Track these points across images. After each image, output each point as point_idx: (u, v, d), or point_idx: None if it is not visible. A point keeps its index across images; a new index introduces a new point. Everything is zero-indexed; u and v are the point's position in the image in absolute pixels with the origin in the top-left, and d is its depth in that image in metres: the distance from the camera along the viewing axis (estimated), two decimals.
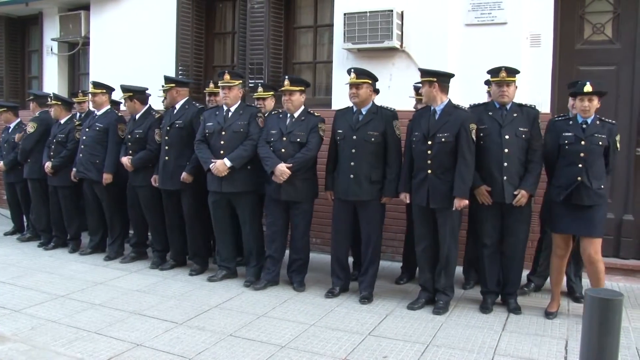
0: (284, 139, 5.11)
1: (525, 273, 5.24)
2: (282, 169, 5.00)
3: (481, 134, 4.64)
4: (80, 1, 8.52)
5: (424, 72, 4.70)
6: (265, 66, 6.94)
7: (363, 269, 5.08)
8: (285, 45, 7.25)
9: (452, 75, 4.81)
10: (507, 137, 4.57)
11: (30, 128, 6.89)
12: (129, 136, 6.04)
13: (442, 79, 4.66)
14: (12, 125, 7.34)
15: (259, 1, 7.01)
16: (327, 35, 7.06)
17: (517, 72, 4.68)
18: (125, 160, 5.98)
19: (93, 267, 6.07)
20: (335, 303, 4.92)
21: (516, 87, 4.72)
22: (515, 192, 4.55)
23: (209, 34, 7.93)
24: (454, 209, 4.56)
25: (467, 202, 4.57)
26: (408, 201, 4.83)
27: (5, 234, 7.54)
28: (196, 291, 5.25)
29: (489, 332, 4.27)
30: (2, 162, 7.29)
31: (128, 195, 6.23)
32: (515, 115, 4.63)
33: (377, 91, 5.44)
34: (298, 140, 5.07)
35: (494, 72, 4.66)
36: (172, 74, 7.30)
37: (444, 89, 4.67)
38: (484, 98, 5.37)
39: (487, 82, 4.98)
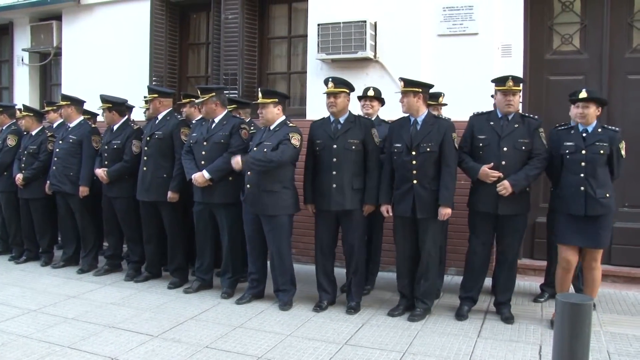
0: (255, 149, 5.01)
1: (538, 284, 5.36)
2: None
3: (480, 144, 4.66)
4: (51, 11, 8.42)
5: (409, 83, 4.69)
6: (240, 77, 6.95)
7: (348, 280, 5.07)
8: (259, 56, 7.27)
9: (432, 86, 4.87)
10: (505, 149, 4.55)
11: (11, 141, 6.79)
12: (106, 147, 6.00)
13: (425, 90, 4.71)
14: None
15: (233, 12, 7.03)
16: (301, 45, 7.10)
17: (523, 81, 4.69)
18: (100, 172, 5.92)
19: (66, 280, 5.99)
20: (312, 313, 4.92)
21: (520, 96, 4.70)
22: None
23: (183, 45, 7.91)
24: (439, 217, 4.59)
25: (450, 210, 4.59)
26: (390, 214, 4.81)
27: None
28: (172, 303, 5.21)
29: (465, 339, 4.31)
30: None
31: (103, 207, 6.16)
32: (516, 126, 4.59)
33: None
34: (265, 150, 4.91)
35: (500, 81, 4.65)
36: (145, 84, 7.27)
37: (426, 100, 4.73)
38: (457, 107, 5.46)
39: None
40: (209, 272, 5.63)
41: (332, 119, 4.99)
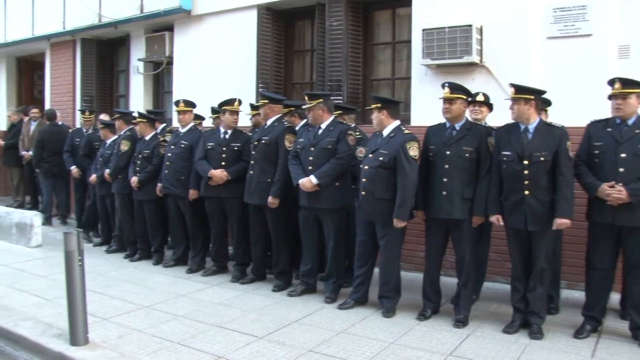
0: (370, 156, 5.01)
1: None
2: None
3: (596, 152, 4.44)
4: (164, 22, 8.86)
5: (521, 89, 4.51)
6: (344, 83, 6.98)
7: (457, 291, 4.95)
8: (363, 62, 7.28)
9: (545, 92, 4.67)
10: (623, 155, 4.30)
11: (124, 146, 7.19)
12: (224, 149, 6.18)
13: (538, 97, 4.52)
14: (108, 142, 7.67)
15: (337, 19, 7.07)
16: (405, 51, 7.04)
17: (637, 83, 4.37)
18: (219, 172, 6.08)
19: (176, 279, 6.25)
20: (415, 322, 4.85)
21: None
22: None
23: (288, 52, 8.06)
24: (554, 228, 4.38)
25: (569, 222, 4.36)
26: (501, 223, 4.64)
27: (94, 245, 7.86)
28: (276, 305, 5.30)
29: (576, 357, 4.09)
30: (94, 175, 7.64)
31: (213, 210, 6.37)
32: (637, 131, 4.31)
33: None
34: (380, 159, 4.90)
35: (609, 84, 4.43)
36: (252, 91, 7.49)
37: (538, 107, 4.53)
38: (568, 114, 5.22)
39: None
40: (313, 277, 5.68)
41: (447, 124, 4.87)
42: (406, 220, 4.87)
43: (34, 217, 7.96)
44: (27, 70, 12.76)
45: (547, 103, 5.17)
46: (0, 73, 12.55)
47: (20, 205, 10.20)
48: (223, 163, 6.11)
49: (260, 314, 5.05)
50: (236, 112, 6.23)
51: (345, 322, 4.81)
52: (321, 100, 5.42)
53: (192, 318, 4.93)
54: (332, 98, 5.85)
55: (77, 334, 4.27)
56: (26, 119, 10.32)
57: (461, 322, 4.75)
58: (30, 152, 9.63)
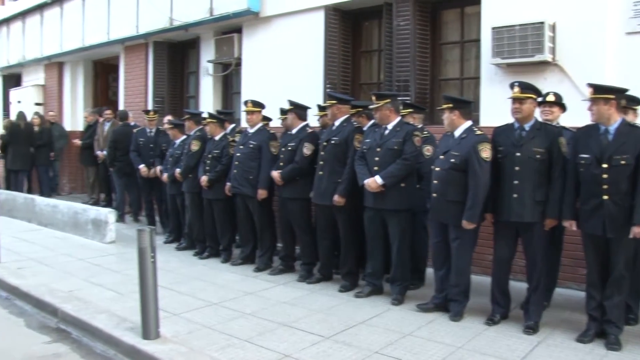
0: (441, 157, 4.94)
1: None
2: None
3: None
4: (233, 25, 9.01)
5: (600, 89, 4.31)
6: (412, 83, 6.92)
7: (527, 296, 4.81)
8: (431, 62, 7.19)
9: (627, 91, 4.46)
10: None
11: (195, 146, 7.35)
12: (282, 149, 6.33)
13: (620, 96, 4.31)
14: (177, 142, 7.87)
15: (404, 18, 7.02)
16: (474, 50, 6.91)
17: None
18: (275, 173, 6.22)
19: (243, 278, 6.34)
20: (484, 327, 4.74)
21: None
22: None
23: (355, 52, 8.06)
24: (631, 236, 4.16)
25: None
26: (575, 228, 4.47)
27: (165, 242, 8.08)
28: (342, 306, 5.30)
29: None
30: (165, 174, 7.86)
31: (279, 209, 6.46)
32: None
33: None
34: (452, 160, 4.82)
35: None
36: (320, 92, 7.52)
37: (619, 107, 4.32)
38: None
39: None
40: (380, 278, 5.64)
41: (516, 125, 4.73)
42: (476, 223, 4.77)
43: (109, 214, 8.26)
44: (103, 73, 13.30)
45: (636, 102, 4.93)
46: (78, 76, 13.14)
47: (96, 203, 10.62)
48: (281, 164, 6.26)
49: (327, 314, 5.06)
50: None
51: (412, 325, 4.76)
52: (389, 100, 5.39)
53: (260, 316, 4.99)
54: (399, 98, 5.80)
55: (149, 328, 4.40)
56: (101, 119, 10.72)
57: (531, 329, 4.59)
58: (104, 152, 9.99)
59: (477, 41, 6.64)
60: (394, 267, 5.46)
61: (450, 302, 5.02)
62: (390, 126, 5.40)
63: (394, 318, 4.95)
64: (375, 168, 5.31)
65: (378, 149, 5.35)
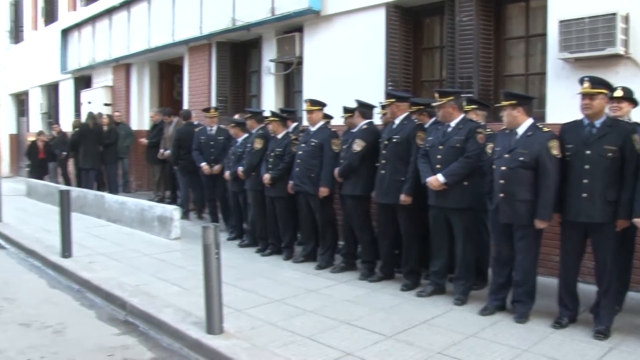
0: (506, 156, 4.79)
1: None
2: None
3: None
4: (295, 24, 9.07)
5: None
6: (475, 80, 6.79)
7: (597, 300, 4.64)
8: (495, 58, 7.04)
9: None
10: None
11: (258, 144, 7.44)
12: (343, 147, 6.33)
13: None
14: (239, 140, 7.99)
15: (467, 14, 6.89)
16: (540, 45, 6.71)
17: None
18: (336, 171, 6.26)
19: (305, 275, 6.38)
20: (551, 330, 4.60)
21: None
22: None
23: (417, 50, 7.97)
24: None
25: None
26: None
27: (228, 239, 8.21)
28: (404, 305, 5.27)
29: None
30: (227, 172, 7.98)
31: (341, 207, 6.48)
32: None
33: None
34: (521, 159, 4.68)
35: None
36: (381, 90, 7.48)
37: None
38: None
39: None
40: (443, 277, 5.57)
41: (585, 122, 4.56)
42: (549, 222, 4.65)
43: (174, 211, 8.48)
44: (168, 74, 13.65)
45: None
46: (145, 77, 13.53)
47: (161, 200, 10.92)
48: (342, 161, 6.28)
49: (389, 313, 5.03)
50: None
51: (476, 326, 4.68)
52: (452, 97, 5.32)
53: (321, 314, 5.02)
54: (463, 95, 5.70)
55: (213, 323, 4.48)
56: (167, 119, 11.00)
57: (602, 334, 4.41)
58: (168, 151, 10.24)
59: (543, 35, 6.44)
60: (458, 266, 5.38)
61: (514, 304, 4.90)
62: (453, 124, 5.32)
63: (456, 318, 4.88)
64: (438, 166, 5.25)
65: (440, 147, 5.29)
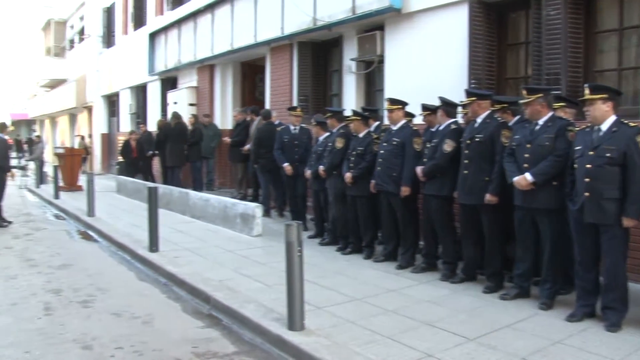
0: (591, 153, 4.61)
1: None
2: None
3: None
4: (376, 22, 9.03)
5: None
6: (563, 76, 6.53)
7: None
8: (584, 53, 6.74)
9: None
10: None
11: (339, 143, 7.48)
12: (427, 146, 6.29)
13: None
14: (320, 139, 8.06)
15: (554, 7, 6.63)
16: (635, 37, 6.39)
17: None
18: (419, 171, 6.20)
19: (385, 274, 6.35)
20: None
21: None
22: None
23: (501, 46, 7.76)
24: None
25: None
26: None
27: (308, 237, 8.27)
28: (487, 308, 5.15)
29: None
30: (309, 171, 8.08)
31: (423, 206, 6.40)
32: None
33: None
34: (608, 155, 4.50)
35: None
36: (463, 87, 7.33)
37: None
38: None
39: None
40: (528, 280, 5.41)
41: None
42: (637, 220, 4.43)
43: (256, 209, 8.65)
44: (250, 74, 13.93)
45: None
46: (228, 77, 13.86)
47: (243, 198, 11.15)
48: (425, 160, 6.24)
49: (471, 315, 4.94)
50: None
51: (562, 332, 4.50)
52: (541, 95, 5.13)
53: (402, 314, 4.98)
54: (552, 92, 5.50)
55: (295, 319, 4.54)
56: (249, 118, 11.23)
57: None
58: (248, 146, 10.45)
59: (639, 27, 6.13)
60: (544, 269, 5.18)
61: (605, 310, 4.67)
62: (541, 121, 5.14)
63: (541, 323, 4.72)
64: (525, 165, 5.09)
65: (528, 145, 5.13)
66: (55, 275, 6.80)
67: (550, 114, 5.17)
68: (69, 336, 4.78)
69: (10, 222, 10.46)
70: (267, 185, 10.03)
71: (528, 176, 5.02)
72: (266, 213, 9.63)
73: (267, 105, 11.55)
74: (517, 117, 5.90)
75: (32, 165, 21.37)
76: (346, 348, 4.22)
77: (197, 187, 12.52)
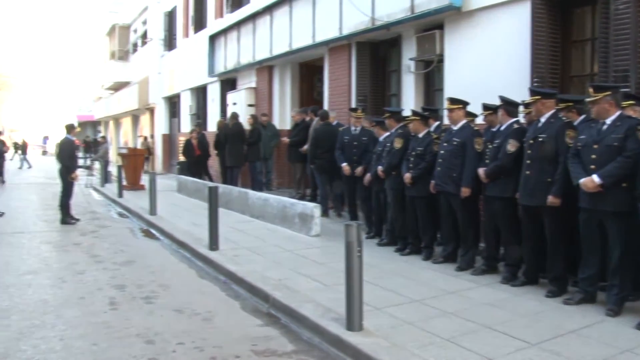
0: None
1: None
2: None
3: None
4: (435, 21, 8.94)
5: None
6: (632, 73, 6.28)
7: None
8: None
9: None
10: None
11: (398, 144, 7.44)
12: (489, 146, 6.18)
13: None
14: (380, 139, 8.02)
15: (624, 2, 6.40)
16: None
17: None
18: (481, 172, 6.11)
19: (445, 276, 6.28)
20: None
21: None
22: None
23: (565, 43, 7.55)
24: None
25: None
26: None
27: (367, 238, 8.24)
28: (549, 312, 5.02)
29: None
30: (368, 174, 8.05)
31: (484, 208, 6.29)
32: None
33: None
34: None
35: None
36: (526, 86, 7.17)
37: None
38: None
39: None
40: (594, 285, 5.23)
41: None
42: None
43: (314, 209, 8.69)
44: (308, 75, 14.02)
45: None
46: (286, 78, 14.00)
47: (302, 197, 11.22)
48: (487, 161, 6.16)
49: (532, 320, 4.83)
50: None
51: (631, 341, 4.33)
52: (609, 93, 4.96)
53: (462, 316, 4.92)
54: (621, 90, 5.30)
55: (354, 320, 4.55)
56: (309, 118, 11.31)
57: None
58: (306, 146, 10.51)
59: None
60: (611, 274, 5.00)
61: None
62: (609, 121, 4.98)
63: (609, 331, 4.56)
64: (592, 166, 4.94)
65: (595, 146, 4.97)
66: (119, 271, 7.04)
67: (618, 112, 4.99)
68: (133, 330, 4.93)
69: (78, 220, 10.87)
70: (324, 186, 10.06)
71: (595, 178, 4.86)
72: (324, 213, 9.66)
73: (326, 106, 11.59)
74: (582, 117, 5.73)
75: (97, 164, 22.14)
76: (405, 350, 4.20)
77: (256, 187, 12.67)
